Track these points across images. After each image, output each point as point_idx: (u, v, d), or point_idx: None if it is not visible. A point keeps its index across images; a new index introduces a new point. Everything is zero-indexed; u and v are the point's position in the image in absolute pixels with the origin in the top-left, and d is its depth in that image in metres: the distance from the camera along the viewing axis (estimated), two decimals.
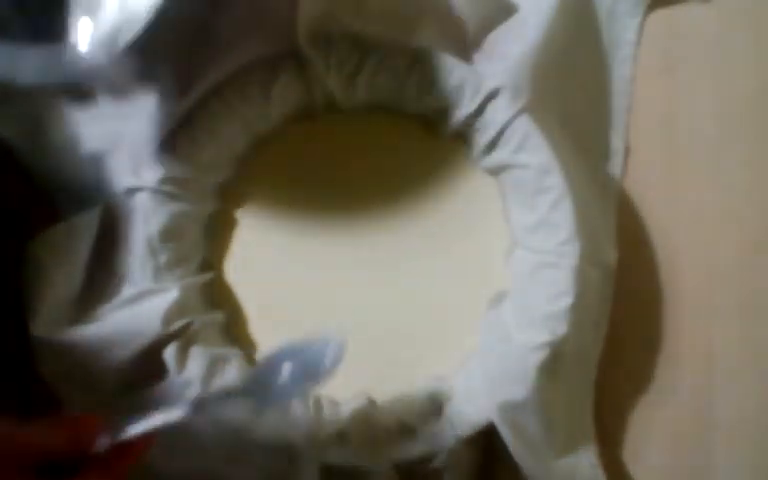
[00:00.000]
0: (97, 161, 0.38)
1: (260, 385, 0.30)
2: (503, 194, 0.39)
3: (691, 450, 0.40)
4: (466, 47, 0.41)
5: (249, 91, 0.37)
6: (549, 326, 0.36)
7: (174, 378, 0.36)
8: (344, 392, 0.39)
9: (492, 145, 0.37)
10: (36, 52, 0.32)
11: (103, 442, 0.27)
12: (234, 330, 0.39)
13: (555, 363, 0.36)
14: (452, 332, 0.39)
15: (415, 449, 0.36)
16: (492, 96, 0.36)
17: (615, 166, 0.41)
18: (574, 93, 0.41)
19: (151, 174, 0.36)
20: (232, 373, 0.37)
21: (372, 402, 0.38)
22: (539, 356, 0.36)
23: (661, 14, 0.42)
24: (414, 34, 0.40)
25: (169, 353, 0.36)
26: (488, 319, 0.38)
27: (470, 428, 0.36)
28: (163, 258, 0.37)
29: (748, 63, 0.42)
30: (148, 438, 0.28)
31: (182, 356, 0.36)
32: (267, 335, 0.39)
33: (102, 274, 0.38)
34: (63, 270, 0.37)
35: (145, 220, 0.36)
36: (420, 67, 0.37)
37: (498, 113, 0.36)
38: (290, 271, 0.40)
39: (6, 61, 0.32)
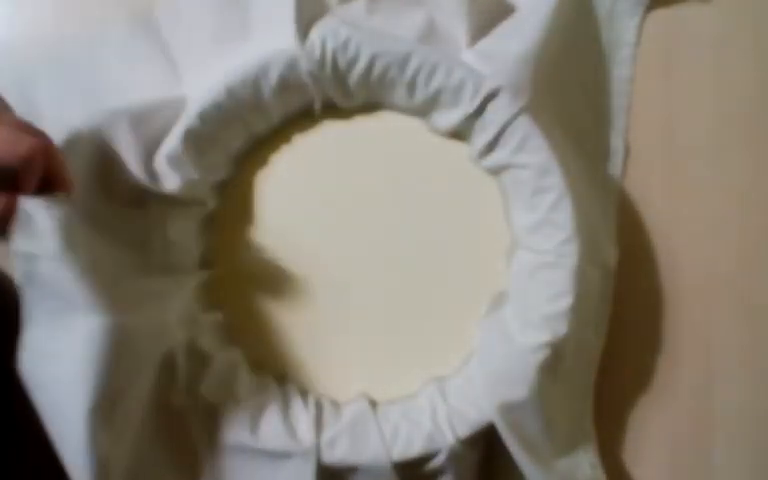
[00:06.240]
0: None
1: None
2: (503, 194, 0.39)
3: (691, 450, 0.40)
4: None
5: (248, 91, 0.37)
6: (549, 326, 0.36)
7: (175, 378, 0.36)
8: (344, 393, 0.39)
9: (492, 145, 0.37)
10: None
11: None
12: (234, 330, 0.39)
13: (555, 363, 0.36)
14: (452, 332, 0.39)
15: (415, 449, 0.36)
16: (492, 96, 0.36)
17: (615, 166, 0.41)
18: (574, 93, 0.41)
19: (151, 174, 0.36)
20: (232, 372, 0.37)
21: (372, 402, 0.38)
22: (539, 356, 0.36)
23: (661, 14, 0.42)
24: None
25: (169, 353, 0.36)
26: (488, 319, 0.39)
27: (470, 428, 0.36)
28: (163, 258, 0.37)
29: (748, 63, 0.42)
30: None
31: (183, 356, 0.36)
32: (267, 335, 0.40)
33: (101, 274, 0.38)
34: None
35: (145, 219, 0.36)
36: (420, 66, 0.37)
37: (498, 113, 0.36)
38: (290, 271, 0.40)
39: None
